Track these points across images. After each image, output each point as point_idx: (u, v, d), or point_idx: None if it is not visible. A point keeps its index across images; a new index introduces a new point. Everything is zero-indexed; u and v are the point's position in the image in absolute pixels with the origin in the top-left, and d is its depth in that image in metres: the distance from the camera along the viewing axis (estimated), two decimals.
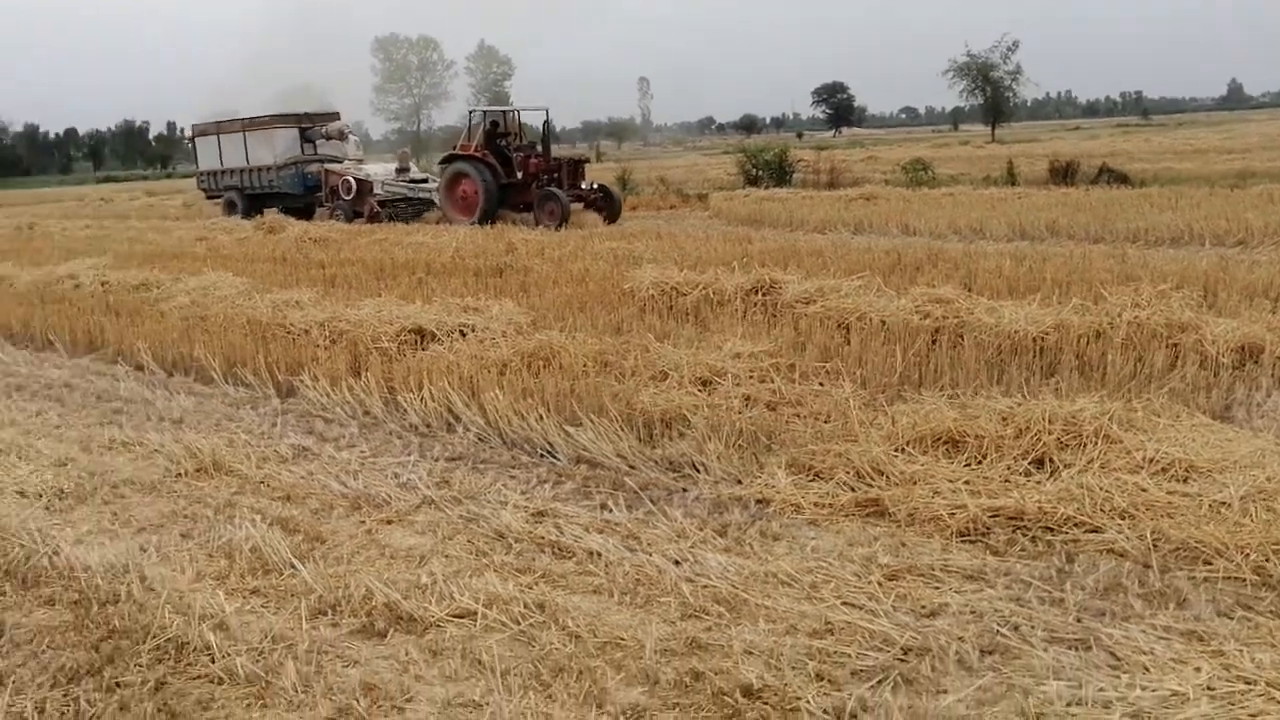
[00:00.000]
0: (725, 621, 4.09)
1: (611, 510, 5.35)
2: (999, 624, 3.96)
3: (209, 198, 30.79)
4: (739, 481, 5.67)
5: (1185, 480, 5.07)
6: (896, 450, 5.66)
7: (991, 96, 69.98)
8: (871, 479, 5.39)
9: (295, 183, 27.10)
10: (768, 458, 5.87)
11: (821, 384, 7.11)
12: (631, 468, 6.02)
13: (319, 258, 16.34)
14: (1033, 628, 3.92)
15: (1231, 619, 3.89)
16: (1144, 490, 4.97)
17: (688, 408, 6.65)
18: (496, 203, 22.01)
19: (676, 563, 4.65)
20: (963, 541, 4.76)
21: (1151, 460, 5.24)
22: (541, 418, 6.60)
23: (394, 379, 7.70)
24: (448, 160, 23.43)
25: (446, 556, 4.87)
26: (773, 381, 7.07)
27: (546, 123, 23.71)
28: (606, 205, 22.22)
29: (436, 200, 23.67)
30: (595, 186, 22.78)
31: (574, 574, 4.63)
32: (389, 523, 5.39)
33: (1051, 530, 4.76)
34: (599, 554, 4.76)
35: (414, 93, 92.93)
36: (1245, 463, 5.17)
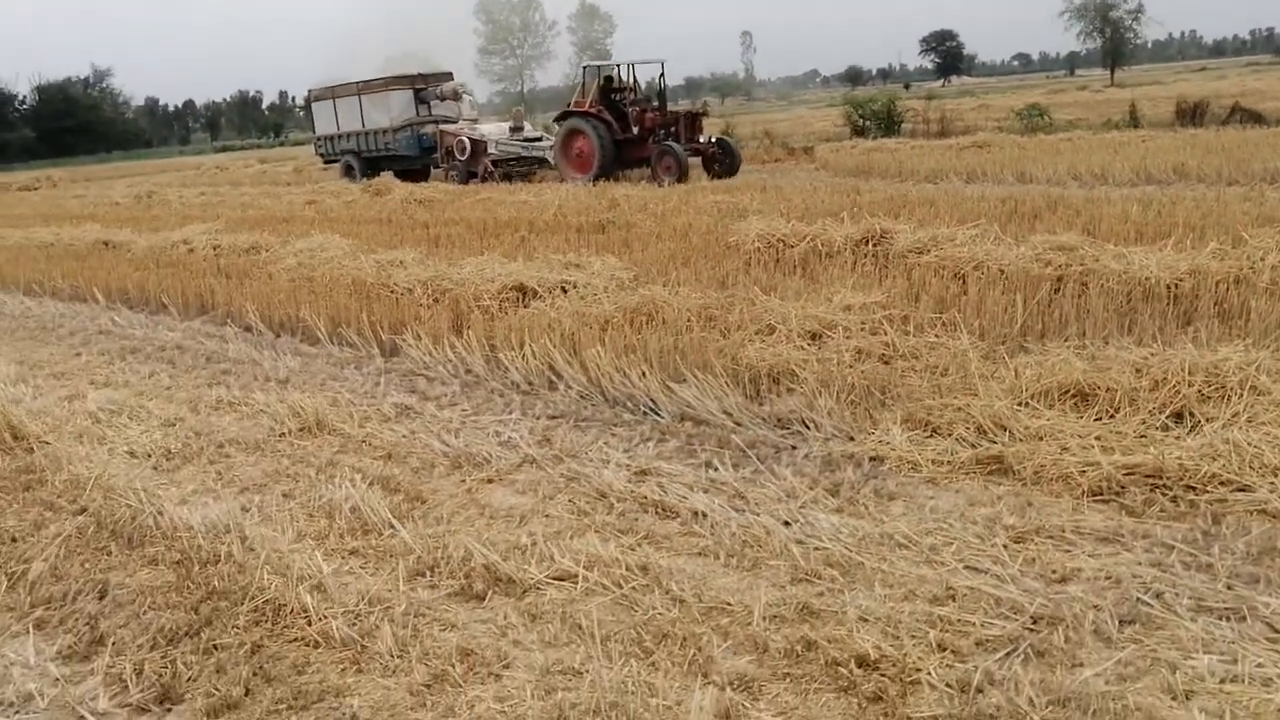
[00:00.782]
0: (839, 586, 3.86)
1: (717, 469, 5.13)
2: (1140, 591, 3.64)
3: (326, 162, 30.85)
4: (851, 438, 5.40)
5: None
6: (1020, 404, 5.32)
7: (1111, 38, 67.27)
8: (993, 435, 5.07)
9: (411, 144, 26.80)
10: (882, 413, 5.59)
11: (937, 336, 6.77)
12: (738, 425, 5.79)
13: (423, 218, 16.37)
14: (1177, 595, 3.60)
15: None
16: None
17: (796, 362, 6.39)
18: (613, 159, 21.63)
19: (786, 523, 4.42)
20: (1095, 501, 4.43)
21: None
22: (644, 374, 6.40)
23: (495, 337, 7.59)
24: (562, 117, 23.03)
25: (547, 516, 4.73)
26: (885, 334, 6.75)
27: (662, 76, 23.08)
28: (725, 159, 21.58)
29: (551, 159, 23.32)
30: (713, 140, 22.16)
31: (678, 535, 4.43)
32: (490, 482, 5.27)
33: (1194, 489, 4.39)
34: (704, 514, 4.55)
35: (517, 54, 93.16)
36: None
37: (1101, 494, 4.47)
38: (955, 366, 6.08)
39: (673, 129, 21.61)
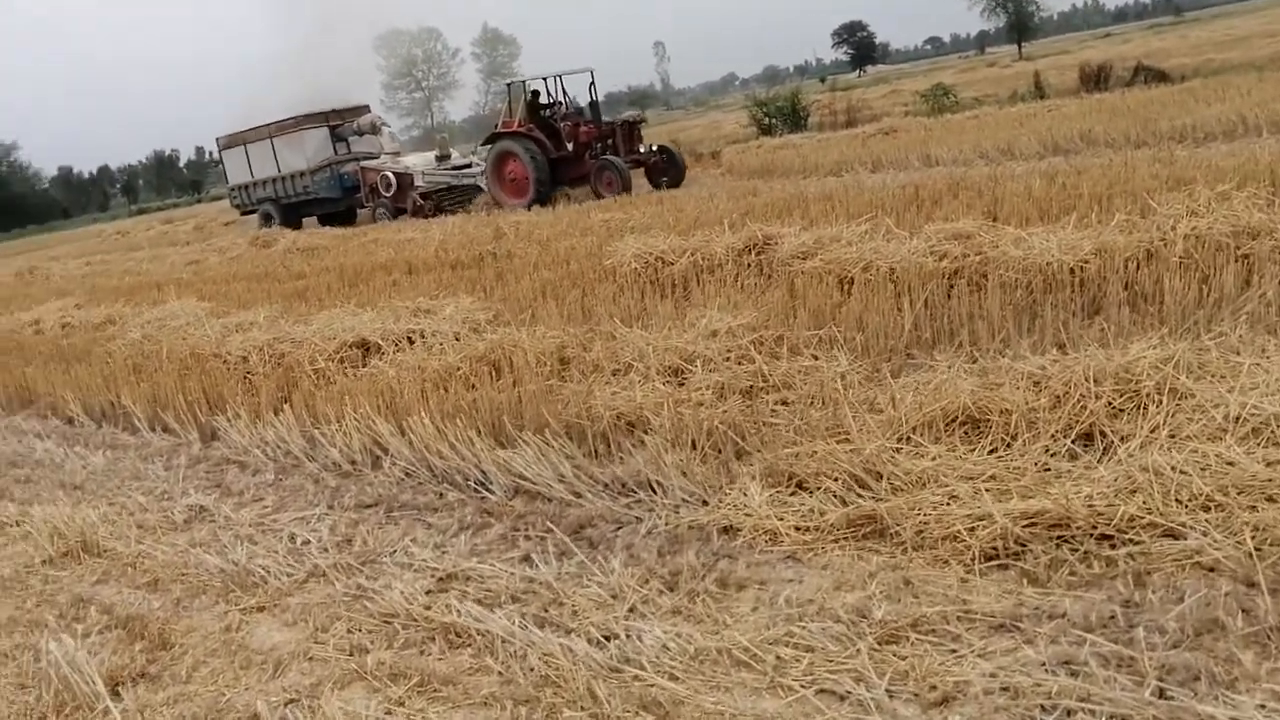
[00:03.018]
0: None
1: (537, 565, 4.14)
2: (1044, 711, 2.70)
3: (244, 213, 28.35)
4: (704, 502, 4.44)
5: None
6: (900, 440, 4.39)
7: (1014, 13, 67.28)
8: (867, 485, 4.13)
9: (332, 185, 24.84)
10: (741, 466, 4.64)
11: (815, 357, 5.84)
12: (576, 496, 4.80)
13: (300, 268, 15.26)
14: (1094, 714, 2.66)
15: None
16: (1231, 464, 3.67)
17: (650, 408, 5.42)
18: (549, 179, 19.88)
19: (603, 642, 3.43)
20: (989, 567, 3.50)
21: (1237, 419, 3.94)
22: (472, 441, 5.40)
23: (317, 409, 6.55)
24: (491, 140, 21.19)
25: (311, 660, 3.70)
26: (754, 362, 5.80)
27: (592, 85, 21.23)
28: (670, 167, 20.08)
29: (484, 185, 21.50)
30: (654, 149, 20.57)
31: (464, 673, 3.43)
32: (260, 609, 4.24)
33: (1110, 540, 3.48)
34: (502, 639, 3.55)
35: (423, 86, 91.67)
36: None
37: (996, 556, 3.54)
38: (829, 396, 5.14)
39: (610, 141, 20.15)
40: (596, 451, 5.19)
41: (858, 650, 3.10)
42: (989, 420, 4.31)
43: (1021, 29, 68.16)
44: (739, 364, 5.84)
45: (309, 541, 4.85)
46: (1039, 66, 34.06)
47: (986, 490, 3.85)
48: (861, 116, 26.11)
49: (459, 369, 6.78)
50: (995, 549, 3.54)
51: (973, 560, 3.52)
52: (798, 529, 4.00)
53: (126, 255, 27.78)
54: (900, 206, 10.39)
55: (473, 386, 6.30)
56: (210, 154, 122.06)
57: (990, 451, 4.19)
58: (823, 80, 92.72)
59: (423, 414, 5.79)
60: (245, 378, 7.95)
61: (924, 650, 3.06)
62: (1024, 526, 3.59)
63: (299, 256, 17.29)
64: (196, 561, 4.83)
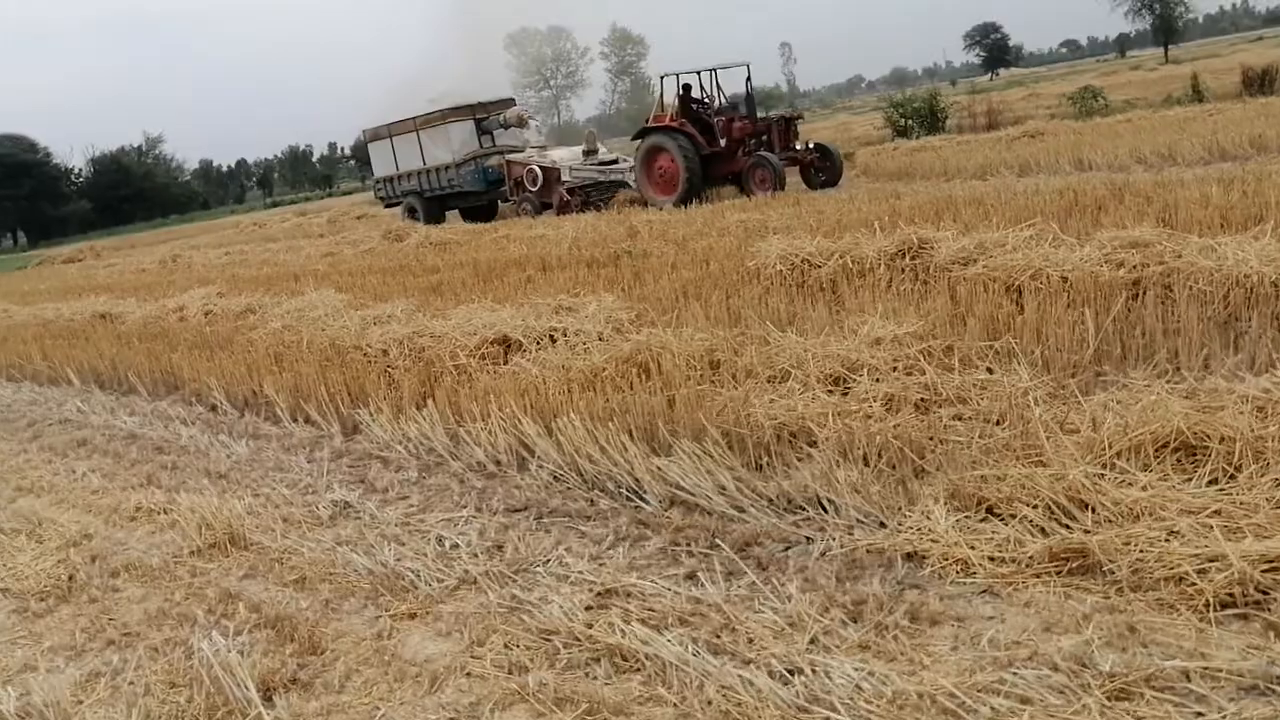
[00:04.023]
0: None
1: (703, 584, 3.87)
2: None
3: (387, 205, 28.41)
4: (881, 524, 4.11)
5: None
6: (1103, 466, 3.99)
7: (1160, 14, 64.69)
8: (1071, 515, 3.74)
9: (476, 179, 24.47)
10: (920, 486, 4.29)
11: (990, 370, 5.44)
12: (738, 511, 4.52)
13: (432, 262, 15.31)
14: None
15: None
16: None
17: (813, 418, 5.11)
18: (700, 175, 19.19)
19: (786, 677, 3.14)
20: (1226, 616, 3.10)
21: None
22: (625, 447, 5.16)
23: (461, 406, 6.40)
24: (641, 134, 20.46)
25: (469, 676, 3.50)
26: (924, 373, 5.43)
27: (748, 80, 20.39)
28: (825, 165, 19.27)
29: (632, 181, 20.92)
30: (811, 146, 19.65)
31: (636, 702, 3.18)
32: (411, 617, 4.06)
33: None
34: (674, 665, 3.29)
35: (551, 85, 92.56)
36: None
37: (1233, 604, 3.14)
38: (1013, 413, 4.75)
39: (765, 137, 19.28)
40: (758, 463, 4.90)
41: (1084, 706, 2.75)
42: (1207, 448, 3.88)
43: (1168, 31, 65.51)
44: (908, 374, 5.48)
45: (458, 545, 4.67)
46: (1188, 70, 32.59)
47: (1212, 527, 3.44)
48: (1003, 119, 25.24)
49: (604, 370, 6.56)
50: (1232, 596, 3.14)
51: (1206, 607, 3.12)
52: (991, 559, 3.64)
53: (263, 246, 28.48)
54: (1060, 212, 9.83)
55: (620, 389, 6.07)
56: (342, 149, 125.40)
57: (1210, 483, 3.76)
58: (953, 84, 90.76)
59: (571, 415, 5.58)
60: (386, 371, 7.87)
61: (1165, 712, 2.69)
62: (1264, 571, 3.18)
63: (431, 251, 17.39)
64: (344, 561, 4.69)
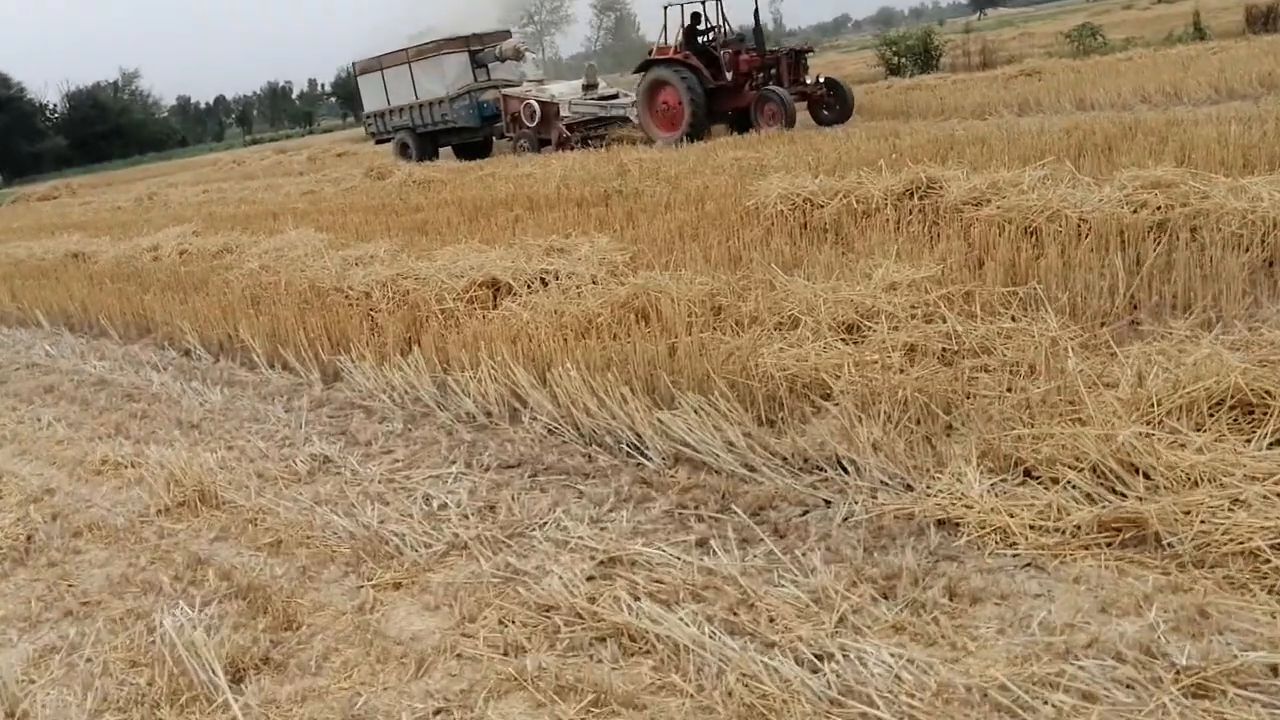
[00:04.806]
0: None
1: (715, 553, 3.53)
2: None
3: (378, 142, 27.15)
4: (908, 487, 3.78)
5: None
6: (1150, 425, 3.66)
7: None
8: (1122, 480, 3.41)
9: (471, 114, 23.47)
10: (949, 445, 3.95)
11: (1015, 319, 5.09)
12: (750, 470, 4.18)
13: (417, 201, 14.83)
14: None
15: None
16: None
17: (827, 369, 4.77)
18: (706, 110, 18.35)
19: (815, 664, 2.82)
20: None
21: None
22: (625, 399, 4.81)
23: (449, 353, 6.03)
24: (644, 68, 19.47)
25: (459, 658, 3.16)
26: (944, 321, 5.09)
27: (756, 10, 19.26)
28: (836, 102, 18.32)
29: (634, 116, 20.01)
30: (821, 80, 18.64)
31: (648, 691, 2.85)
32: (396, 587, 3.72)
33: None
34: (689, 648, 2.96)
35: (535, 20, 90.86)
36: None
37: None
38: (1045, 365, 4.41)
39: (774, 71, 18.27)
40: (769, 418, 4.56)
41: (1160, 705, 2.43)
42: (1268, 406, 3.55)
43: None
44: (927, 322, 5.13)
45: (446, 505, 4.33)
46: (1184, 9, 31.96)
47: (1279, 495, 3.12)
48: (997, 58, 24.70)
49: (600, 315, 6.19)
50: None
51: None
52: (1033, 529, 3.32)
53: (241, 184, 27.79)
54: (1070, 151, 9.44)
55: (618, 336, 5.71)
56: (322, 85, 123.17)
57: (1274, 444, 3.44)
58: (941, 23, 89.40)
59: (567, 364, 5.21)
60: (369, 315, 7.48)
61: (1254, 713, 2.38)
62: None
63: (415, 189, 16.87)
64: (323, 522, 4.34)
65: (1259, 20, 20.46)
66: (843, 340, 5.12)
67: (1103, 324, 4.90)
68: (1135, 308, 5.07)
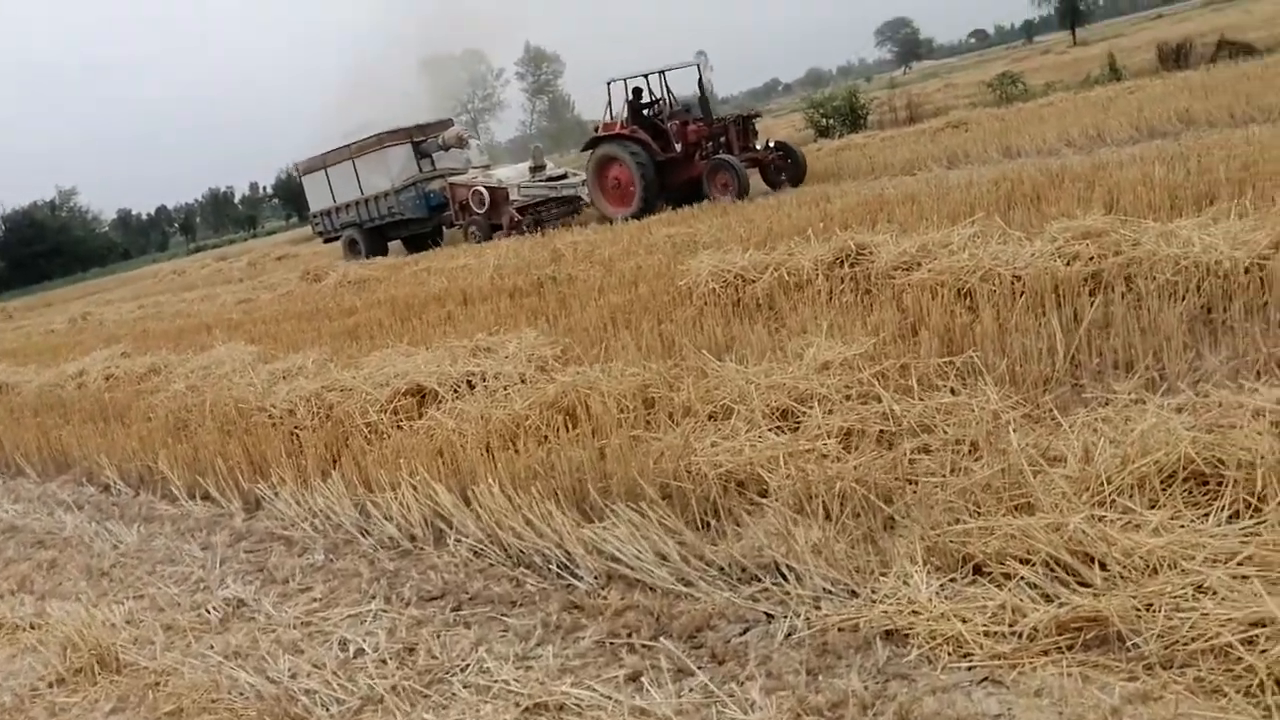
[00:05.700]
0: None
1: (648, 689, 3.23)
2: None
3: (326, 241, 26.97)
4: (853, 593, 3.51)
5: None
6: (1101, 504, 3.42)
7: None
8: (1075, 573, 3.16)
9: (418, 205, 23.34)
10: (892, 542, 3.70)
11: (953, 391, 4.87)
12: (685, 586, 3.89)
13: (350, 303, 14.56)
14: None
15: None
16: None
17: (762, 463, 4.51)
18: (657, 184, 18.21)
19: None
20: None
21: None
22: (552, 515, 4.51)
23: (369, 473, 5.72)
24: (591, 145, 19.42)
25: None
26: (879, 400, 4.86)
27: (701, 80, 19.33)
28: (789, 165, 18.21)
29: (585, 195, 20.02)
30: (771, 145, 18.56)
31: None
32: None
33: None
34: None
35: (469, 108, 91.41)
36: None
37: None
38: (988, 443, 4.18)
39: (723, 139, 18.20)
40: (704, 522, 4.29)
41: None
42: (1222, 477, 3.33)
43: (1074, 13, 66.39)
44: (862, 403, 4.90)
45: (363, 651, 3.99)
46: (1100, 51, 32.69)
47: (1248, 578, 2.88)
48: (923, 112, 25.01)
49: (528, 418, 5.91)
50: None
51: (1260, 688, 2.55)
52: (988, 635, 3.05)
53: (179, 296, 27.37)
54: (999, 204, 9.39)
55: (545, 438, 5.43)
56: (264, 188, 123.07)
57: (1231, 518, 3.21)
58: (868, 80, 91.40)
59: (490, 480, 4.92)
60: (292, 434, 7.15)
61: None
62: None
63: (350, 290, 16.62)
64: (230, 682, 3.98)
65: (1170, 57, 20.88)
66: (777, 429, 4.87)
67: (1044, 389, 4.69)
68: (1076, 368, 4.88)
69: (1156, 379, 4.47)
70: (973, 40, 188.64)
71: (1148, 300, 5.38)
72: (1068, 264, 6.39)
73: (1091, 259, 6.33)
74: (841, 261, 7.84)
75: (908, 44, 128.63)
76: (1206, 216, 6.49)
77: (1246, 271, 5.37)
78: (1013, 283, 6.35)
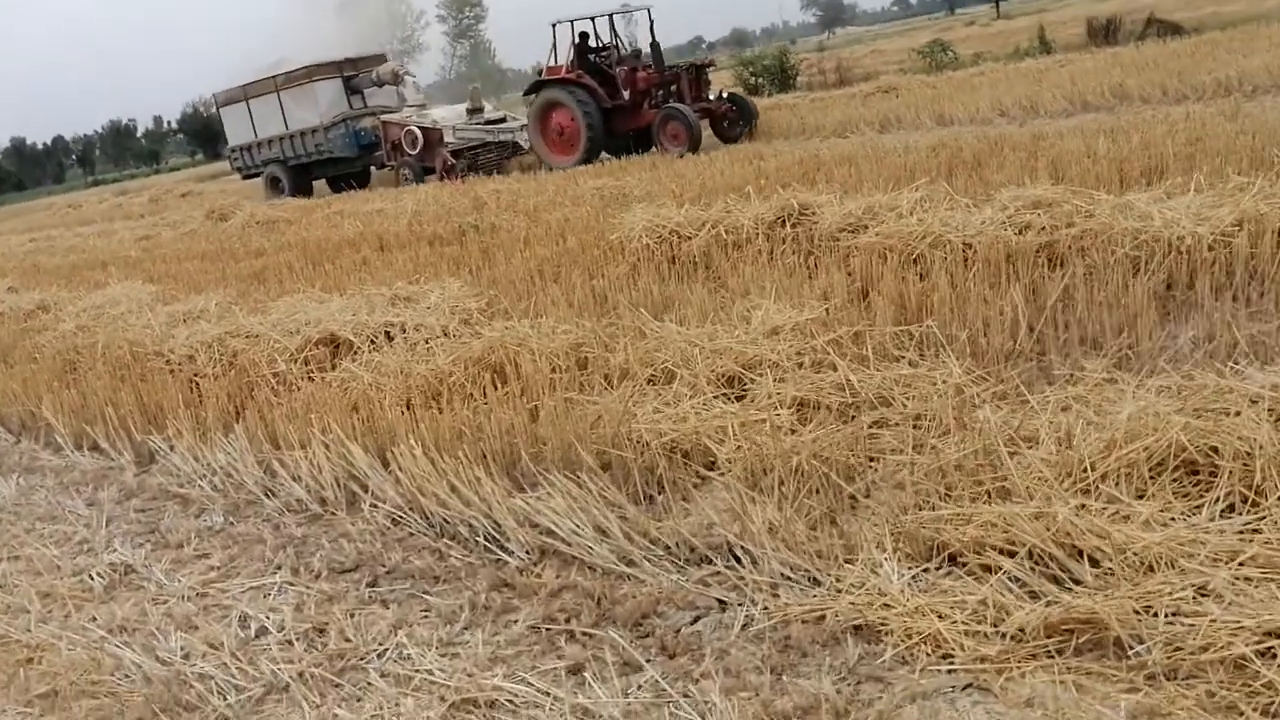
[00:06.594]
0: None
1: (591, 685, 2.89)
2: None
3: (245, 177, 25.43)
4: (815, 581, 3.20)
5: None
6: (1084, 492, 3.16)
7: None
8: (1065, 568, 2.90)
9: (347, 143, 22.00)
10: (857, 524, 3.40)
11: (912, 363, 4.59)
12: (628, 566, 3.55)
13: (258, 245, 13.84)
14: None
15: None
16: None
17: (710, 433, 4.18)
18: (603, 132, 17.41)
19: None
20: None
21: None
22: (480, 482, 4.13)
23: (277, 428, 5.26)
24: (534, 89, 18.53)
25: None
26: (834, 369, 4.55)
27: (652, 25, 18.23)
28: (741, 116, 17.53)
29: (525, 141, 19.10)
30: (724, 95, 17.88)
31: None
32: None
33: None
34: None
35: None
36: None
37: None
38: (955, 420, 3.91)
39: (674, 88, 17.34)
40: (647, 495, 3.96)
41: None
42: (1216, 467, 3.09)
43: None
44: (816, 372, 4.59)
45: (266, 630, 3.59)
46: (1024, 24, 32.85)
47: (1253, 579, 2.63)
48: (853, 75, 24.81)
49: (452, 374, 5.50)
50: None
51: (1272, 697, 2.31)
52: (969, 634, 2.77)
53: (74, 231, 26.01)
54: (941, 170, 9.16)
55: (471, 397, 5.04)
56: (169, 123, 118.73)
57: (1227, 511, 2.97)
58: (792, 43, 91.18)
59: (412, 441, 4.51)
60: (192, 382, 6.63)
61: None
62: None
63: (258, 231, 15.85)
64: (113, 662, 3.54)
65: (1099, 33, 20.95)
66: (724, 396, 4.55)
67: (1008, 364, 4.44)
68: (1038, 342, 4.63)
69: (1129, 357, 4.24)
70: (895, 8, 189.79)
71: (1107, 274, 5.16)
72: (1019, 233, 6.15)
73: (1044, 229, 6.10)
74: (783, 221, 7.52)
75: (832, 8, 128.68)
76: (1160, 190, 6.30)
77: (1210, 248, 5.18)
78: (964, 250, 6.10)
